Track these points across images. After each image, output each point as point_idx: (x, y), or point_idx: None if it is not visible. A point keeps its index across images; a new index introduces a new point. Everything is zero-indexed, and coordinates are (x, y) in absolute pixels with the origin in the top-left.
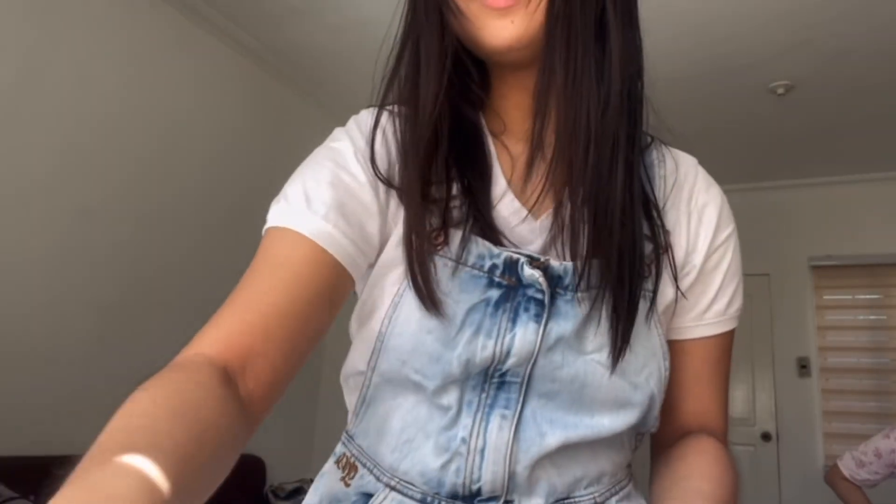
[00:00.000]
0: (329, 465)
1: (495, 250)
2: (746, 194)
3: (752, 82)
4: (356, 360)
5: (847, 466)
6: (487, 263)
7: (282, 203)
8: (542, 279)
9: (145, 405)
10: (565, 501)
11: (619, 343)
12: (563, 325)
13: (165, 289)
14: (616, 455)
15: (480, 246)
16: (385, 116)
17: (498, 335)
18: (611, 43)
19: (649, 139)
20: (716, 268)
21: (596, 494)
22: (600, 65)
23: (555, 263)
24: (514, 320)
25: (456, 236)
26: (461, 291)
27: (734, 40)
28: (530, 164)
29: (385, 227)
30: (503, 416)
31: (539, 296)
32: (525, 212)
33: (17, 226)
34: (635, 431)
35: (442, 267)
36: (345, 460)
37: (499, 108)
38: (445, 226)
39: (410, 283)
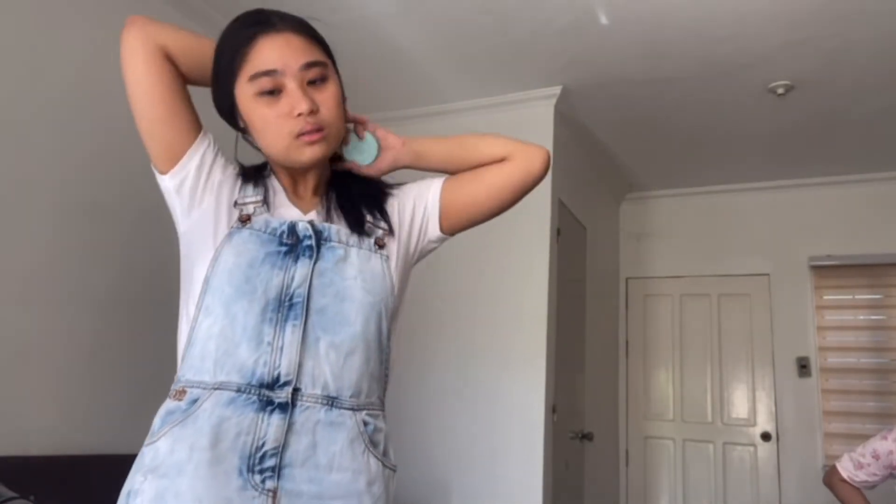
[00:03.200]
0: (164, 402)
1: (282, 220)
2: (746, 194)
3: (752, 82)
4: (189, 306)
5: (845, 468)
6: (278, 230)
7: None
8: (310, 229)
9: None
10: (335, 400)
11: (357, 270)
12: (327, 261)
13: (166, 288)
14: (370, 379)
15: (273, 221)
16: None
17: (285, 269)
18: None
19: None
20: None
21: (354, 403)
22: None
23: (318, 223)
24: (296, 261)
25: (259, 219)
26: (261, 245)
27: (733, 40)
28: (300, 191)
29: (208, 195)
30: (294, 325)
31: (310, 242)
32: (298, 210)
33: (17, 225)
34: (380, 349)
35: (249, 234)
36: (175, 393)
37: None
38: (251, 215)
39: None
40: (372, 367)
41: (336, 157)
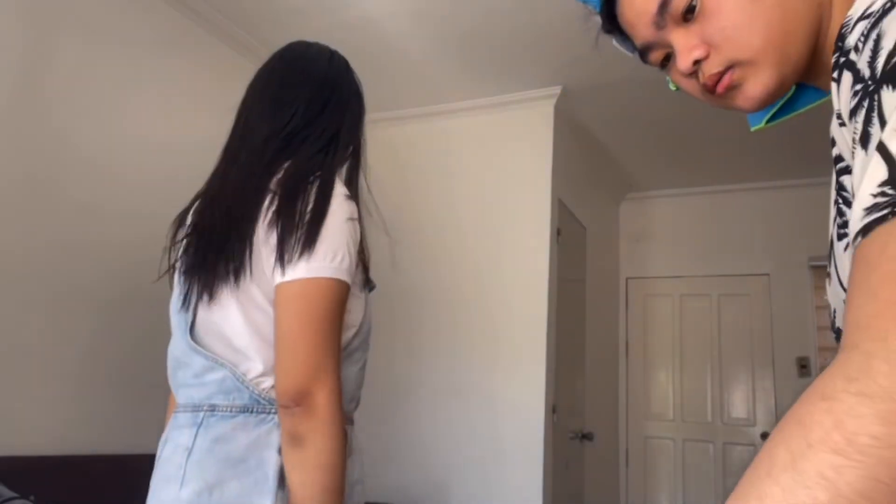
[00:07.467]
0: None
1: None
2: (747, 194)
3: None
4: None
5: None
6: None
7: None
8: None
9: None
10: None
11: None
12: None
13: (165, 288)
14: None
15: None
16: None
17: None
18: None
19: None
20: None
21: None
22: None
23: None
24: None
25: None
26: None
27: None
28: None
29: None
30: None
31: None
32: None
33: (16, 224)
34: None
35: (370, 297)
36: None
37: None
38: (368, 270)
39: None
40: None
41: None
